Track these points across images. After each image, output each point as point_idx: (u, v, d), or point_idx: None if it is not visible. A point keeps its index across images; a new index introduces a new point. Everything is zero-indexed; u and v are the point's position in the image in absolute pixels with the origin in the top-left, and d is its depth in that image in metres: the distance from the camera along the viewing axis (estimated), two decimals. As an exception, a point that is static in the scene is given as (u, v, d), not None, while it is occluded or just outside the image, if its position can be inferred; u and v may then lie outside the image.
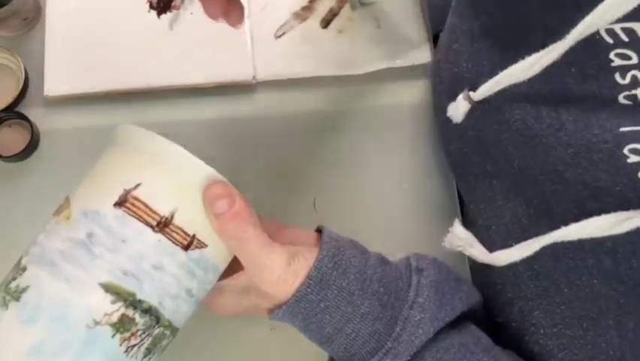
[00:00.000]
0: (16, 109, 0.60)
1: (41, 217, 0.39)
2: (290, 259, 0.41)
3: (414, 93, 0.63)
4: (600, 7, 0.35)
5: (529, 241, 0.42)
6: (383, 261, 0.45)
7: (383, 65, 0.62)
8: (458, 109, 0.49)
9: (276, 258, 0.40)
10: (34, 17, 0.64)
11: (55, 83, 0.61)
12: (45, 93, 0.60)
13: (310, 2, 0.64)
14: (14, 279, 0.36)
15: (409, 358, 0.41)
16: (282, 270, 0.40)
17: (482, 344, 0.44)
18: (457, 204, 0.61)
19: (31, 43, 0.63)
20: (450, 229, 0.51)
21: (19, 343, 0.33)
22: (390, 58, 0.63)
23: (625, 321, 0.38)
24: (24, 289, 0.35)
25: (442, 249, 0.53)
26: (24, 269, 0.36)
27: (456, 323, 0.44)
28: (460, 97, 0.48)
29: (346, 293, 0.42)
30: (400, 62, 0.62)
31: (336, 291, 0.42)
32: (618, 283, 0.37)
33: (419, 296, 0.42)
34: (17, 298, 0.34)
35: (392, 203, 0.60)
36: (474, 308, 0.46)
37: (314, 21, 0.64)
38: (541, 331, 0.43)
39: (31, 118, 0.59)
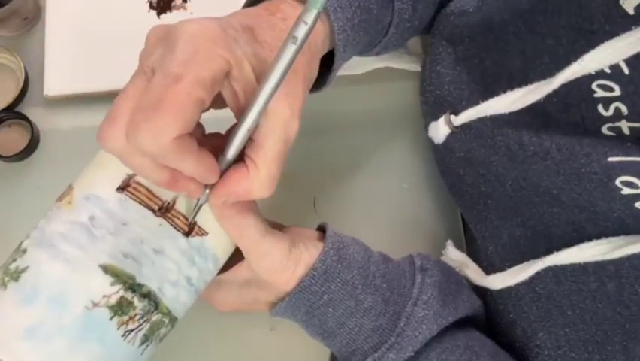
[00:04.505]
0: (16, 109, 0.60)
1: (46, 213, 0.39)
2: (291, 246, 0.41)
3: (413, 93, 0.62)
4: (590, 55, 0.35)
5: (524, 265, 0.42)
6: (386, 259, 0.45)
7: (381, 64, 0.62)
8: (439, 131, 0.50)
9: (277, 245, 0.40)
10: (34, 17, 0.64)
11: (55, 83, 0.61)
12: (45, 93, 0.60)
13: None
14: (14, 261, 0.36)
15: (412, 354, 0.41)
16: (283, 257, 0.40)
17: (488, 349, 0.44)
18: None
19: (31, 43, 0.63)
20: (443, 251, 0.51)
21: (16, 323, 0.33)
22: (388, 58, 0.63)
23: (632, 346, 0.37)
24: (23, 270, 0.34)
25: (442, 249, 0.53)
26: (24, 251, 0.36)
27: (462, 327, 0.44)
28: (441, 120, 0.49)
29: (349, 287, 0.42)
30: (396, 64, 0.62)
31: (339, 284, 0.42)
32: (623, 308, 0.37)
33: (423, 294, 0.42)
34: (16, 279, 0.34)
35: (392, 203, 0.60)
36: (477, 315, 0.46)
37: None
38: (546, 352, 0.42)
39: (31, 118, 0.59)
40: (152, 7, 0.64)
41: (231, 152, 0.35)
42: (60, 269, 0.34)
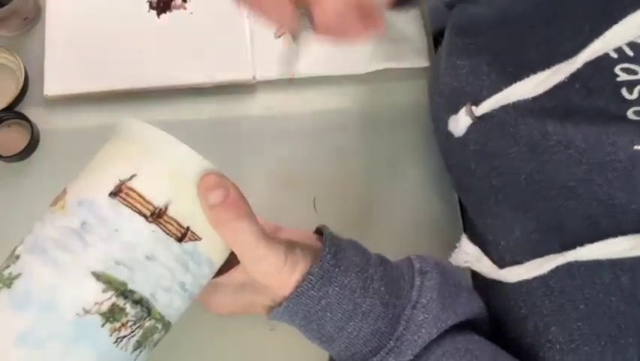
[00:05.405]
0: (16, 109, 0.61)
1: (41, 217, 0.39)
2: (287, 250, 0.41)
3: (414, 93, 0.62)
4: (612, 31, 0.35)
5: (542, 259, 0.42)
6: (384, 261, 0.45)
7: (383, 66, 0.62)
8: (459, 123, 0.49)
9: (273, 249, 0.40)
10: (34, 17, 0.64)
11: (55, 83, 0.61)
12: (45, 93, 0.60)
13: (310, 2, 0.64)
14: (7, 267, 0.36)
15: (411, 358, 0.41)
16: (279, 260, 0.40)
17: (487, 352, 0.44)
18: (458, 204, 0.61)
19: (31, 43, 0.63)
20: (457, 244, 0.51)
21: (8, 329, 0.33)
22: (390, 59, 0.63)
23: None
24: (16, 276, 0.35)
25: (441, 249, 0.53)
26: (17, 257, 0.36)
27: (461, 330, 0.44)
28: (462, 111, 0.48)
29: (348, 291, 0.42)
30: (399, 64, 0.62)
31: (337, 288, 0.41)
32: (637, 302, 0.37)
33: (422, 297, 0.42)
34: (9, 285, 0.34)
35: (392, 203, 0.60)
36: (477, 318, 0.46)
37: (314, 21, 0.64)
38: (558, 346, 0.42)
39: (31, 118, 0.59)
40: (152, 7, 0.64)
41: None
42: (52, 276, 0.34)
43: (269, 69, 0.62)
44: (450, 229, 0.59)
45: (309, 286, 0.41)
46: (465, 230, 0.59)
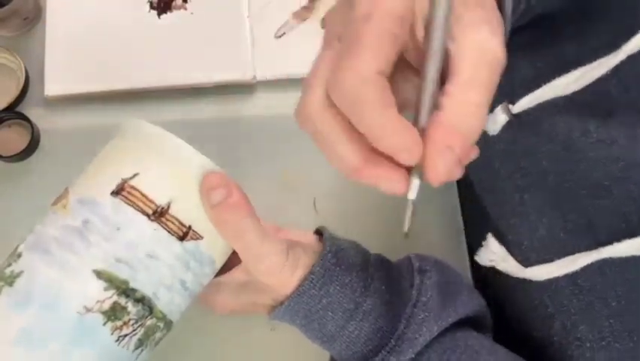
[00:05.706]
0: (16, 109, 0.61)
1: (41, 217, 0.39)
2: (288, 249, 0.41)
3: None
4: None
5: (574, 257, 0.41)
6: (384, 261, 0.45)
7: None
8: (496, 121, 0.48)
9: (275, 247, 0.40)
10: (34, 17, 0.64)
11: (55, 83, 0.61)
12: (45, 93, 0.60)
13: (310, 2, 0.64)
14: (9, 265, 0.36)
15: (412, 356, 0.41)
16: (280, 259, 0.40)
17: (486, 347, 0.44)
18: (458, 203, 0.61)
19: (31, 44, 0.63)
20: (483, 243, 0.50)
21: (9, 327, 0.33)
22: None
23: None
24: (18, 275, 0.35)
25: (441, 249, 0.53)
26: (19, 256, 0.36)
27: (460, 327, 0.44)
28: (498, 109, 0.47)
29: (349, 290, 0.42)
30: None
31: (338, 287, 0.41)
32: None
33: (422, 296, 0.42)
34: (10, 284, 0.34)
35: (392, 203, 0.60)
36: (478, 315, 0.46)
37: (314, 21, 0.64)
38: (588, 344, 0.41)
39: (31, 118, 0.59)
40: (152, 7, 0.64)
41: (426, 95, 0.29)
42: (53, 274, 0.34)
43: (269, 69, 0.62)
44: (450, 228, 0.59)
45: (311, 285, 0.41)
46: (465, 229, 0.59)
